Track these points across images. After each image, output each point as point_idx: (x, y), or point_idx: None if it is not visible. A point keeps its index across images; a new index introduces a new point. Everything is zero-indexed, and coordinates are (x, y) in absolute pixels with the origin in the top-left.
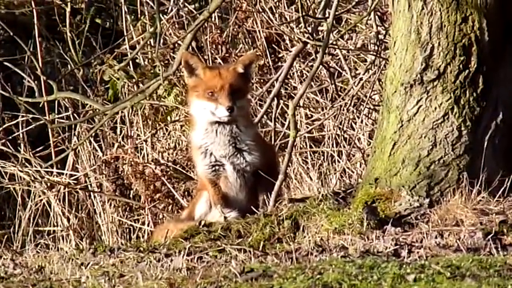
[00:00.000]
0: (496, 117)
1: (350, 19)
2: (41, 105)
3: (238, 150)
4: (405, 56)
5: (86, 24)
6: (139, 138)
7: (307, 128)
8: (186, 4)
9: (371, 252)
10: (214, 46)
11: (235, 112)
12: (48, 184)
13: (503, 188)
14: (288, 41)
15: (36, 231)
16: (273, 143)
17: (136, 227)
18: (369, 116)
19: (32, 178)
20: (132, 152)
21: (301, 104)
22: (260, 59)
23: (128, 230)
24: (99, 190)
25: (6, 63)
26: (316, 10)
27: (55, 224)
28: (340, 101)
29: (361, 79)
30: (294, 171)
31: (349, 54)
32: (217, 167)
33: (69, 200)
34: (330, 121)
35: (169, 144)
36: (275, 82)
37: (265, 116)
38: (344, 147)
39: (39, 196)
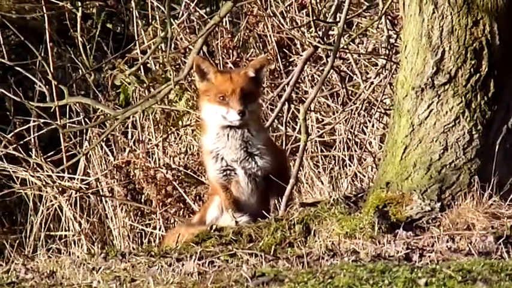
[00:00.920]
0: (507, 121)
1: (361, 23)
2: (52, 110)
3: (249, 155)
4: (416, 59)
5: (97, 29)
6: (151, 143)
7: (318, 132)
8: (197, 9)
9: (382, 257)
10: (225, 50)
11: (247, 116)
12: (60, 189)
13: None
14: (299, 45)
15: (48, 236)
16: (284, 147)
17: (148, 231)
18: (380, 120)
19: (44, 183)
20: (144, 156)
21: (312, 108)
22: (271, 63)
23: (139, 234)
24: (110, 195)
25: (17, 68)
26: (327, 14)
27: (66, 228)
28: (351, 105)
29: (372, 83)
30: (305, 176)
31: (360, 58)
32: (228, 172)
33: (81, 204)
34: (341, 125)
35: (180, 148)
36: (286, 86)
37: (276, 120)
38: (355, 151)
39: (51, 201)
